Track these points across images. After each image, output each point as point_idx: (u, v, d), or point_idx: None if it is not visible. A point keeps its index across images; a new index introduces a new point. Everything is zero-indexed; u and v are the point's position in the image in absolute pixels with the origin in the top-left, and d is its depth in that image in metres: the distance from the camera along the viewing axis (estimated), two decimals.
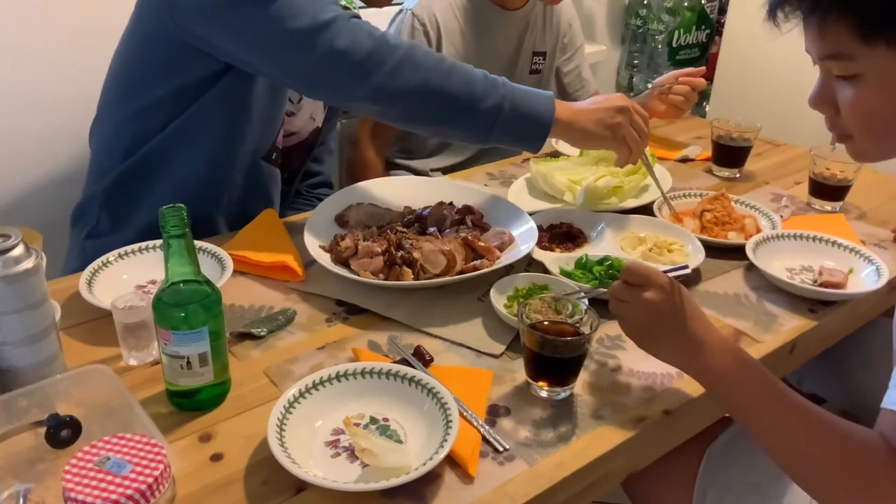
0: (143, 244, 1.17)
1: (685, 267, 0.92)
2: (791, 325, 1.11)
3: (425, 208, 1.30)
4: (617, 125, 1.21)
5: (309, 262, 1.19)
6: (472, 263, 1.14)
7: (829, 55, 0.81)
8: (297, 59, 1.12)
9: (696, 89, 1.67)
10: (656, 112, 1.71)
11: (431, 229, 1.23)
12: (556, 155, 1.63)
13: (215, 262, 1.15)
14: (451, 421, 0.83)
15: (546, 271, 1.17)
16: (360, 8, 1.55)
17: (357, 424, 0.87)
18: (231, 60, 1.20)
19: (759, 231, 1.33)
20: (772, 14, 0.83)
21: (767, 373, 0.87)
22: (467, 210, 1.29)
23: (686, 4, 2.84)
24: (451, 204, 1.31)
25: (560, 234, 1.30)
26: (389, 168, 1.85)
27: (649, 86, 2.92)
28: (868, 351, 1.39)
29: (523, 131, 1.19)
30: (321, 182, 1.67)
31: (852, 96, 0.81)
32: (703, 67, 1.73)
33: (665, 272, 0.91)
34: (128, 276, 1.13)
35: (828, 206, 1.47)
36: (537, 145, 1.20)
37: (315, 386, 0.89)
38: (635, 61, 2.97)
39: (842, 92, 0.82)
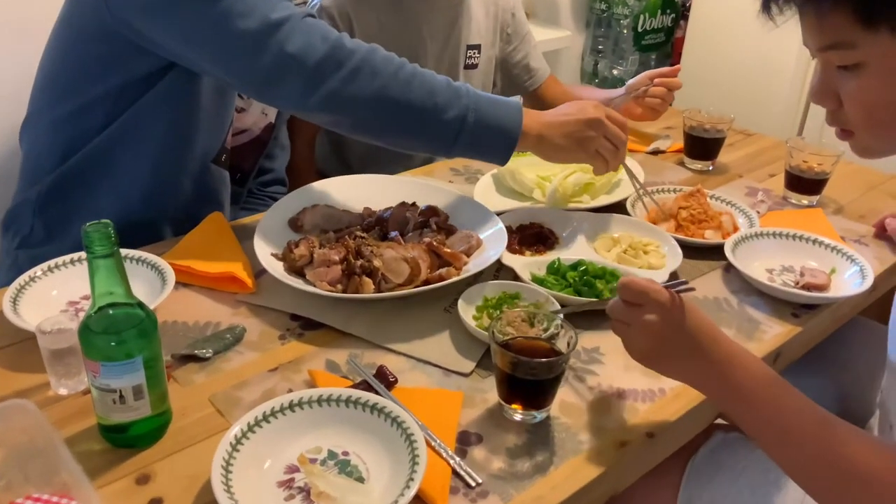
0: (75, 255, 1.06)
1: (685, 283, 0.84)
2: (775, 331, 1.05)
3: (386, 210, 1.21)
4: (588, 139, 1.13)
5: (259, 272, 1.09)
6: (437, 272, 1.06)
7: (829, 45, 0.76)
8: (245, 63, 1.03)
9: (673, 90, 1.60)
10: (632, 115, 1.63)
11: (393, 234, 1.15)
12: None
13: (155, 273, 1.05)
14: (417, 456, 0.75)
15: (516, 277, 1.10)
16: None
17: (313, 461, 0.78)
18: (174, 58, 1.10)
19: (736, 229, 1.27)
20: (765, 8, 0.78)
21: (790, 387, 0.80)
22: (432, 211, 1.21)
23: None
24: (413, 204, 1.23)
25: (530, 235, 1.22)
26: None
27: (615, 72, 2.86)
28: (848, 351, 1.35)
29: (488, 144, 1.10)
30: (274, 179, 1.57)
31: (855, 87, 0.76)
32: (678, 66, 1.65)
33: (665, 286, 0.83)
34: (58, 292, 1.03)
35: (805, 199, 1.42)
36: (503, 159, 1.12)
37: (266, 418, 0.80)
38: (600, 46, 2.89)
39: (844, 83, 0.77)
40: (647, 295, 0.81)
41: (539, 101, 1.86)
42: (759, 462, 1.12)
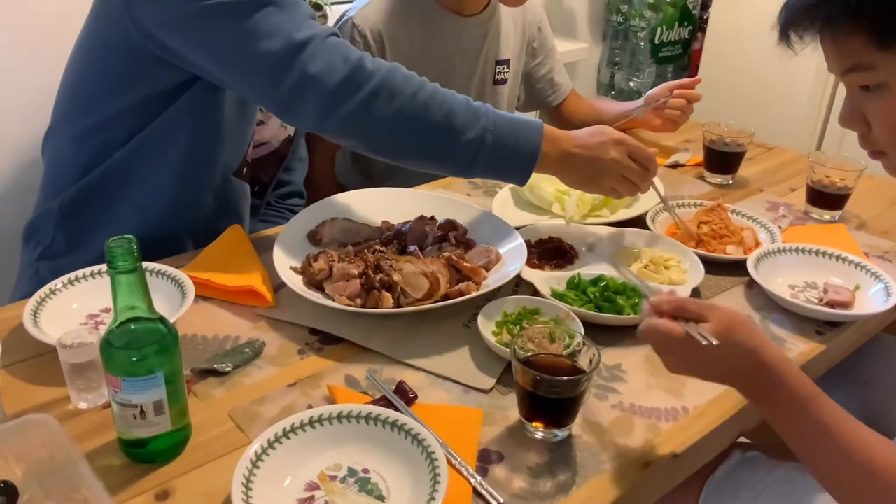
0: (95, 268, 1.06)
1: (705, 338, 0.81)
2: (799, 349, 1.04)
3: (405, 223, 1.21)
4: (603, 178, 1.14)
5: (279, 286, 1.09)
6: (457, 287, 1.05)
7: (850, 68, 0.78)
8: (268, 83, 1.03)
9: (692, 101, 1.59)
10: (651, 126, 1.62)
11: (412, 247, 1.14)
12: None
13: (175, 286, 1.05)
14: (438, 474, 0.74)
15: (536, 292, 1.09)
16: None
17: (334, 478, 0.78)
18: (197, 72, 1.10)
19: (758, 244, 1.26)
20: (783, 36, 0.79)
21: (828, 401, 0.79)
22: (450, 225, 1.20)
23: (668, 0, 2.77)
24: (432, 218, 1.22)
25: (549, 249, 1.21)
26: None
27: (632, 84, 2.85)
28: (870, 367, 1.33)
29: (506, 165, 1.10)
30: (292, 192, 1.57)
31: (880, 107, 0.78)
32: (699, 78, 1.64)
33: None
34: (78, 305, 1.03)
35: (827, 214, 1.41)
36: (521, 180, 1.12)
37: (286, 434, 0.79)
38: (617, 59, 2.89)
39: (869, 105, 0.78)
40: (702, 316, 0.78)
41: (561, 115, 1.85)
42: (780, 483, 1.11)
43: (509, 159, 1.09)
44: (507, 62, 1.70)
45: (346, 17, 1.58)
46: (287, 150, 1.48)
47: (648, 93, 1.61)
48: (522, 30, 1.72)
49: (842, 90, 0.85)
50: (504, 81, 1.71)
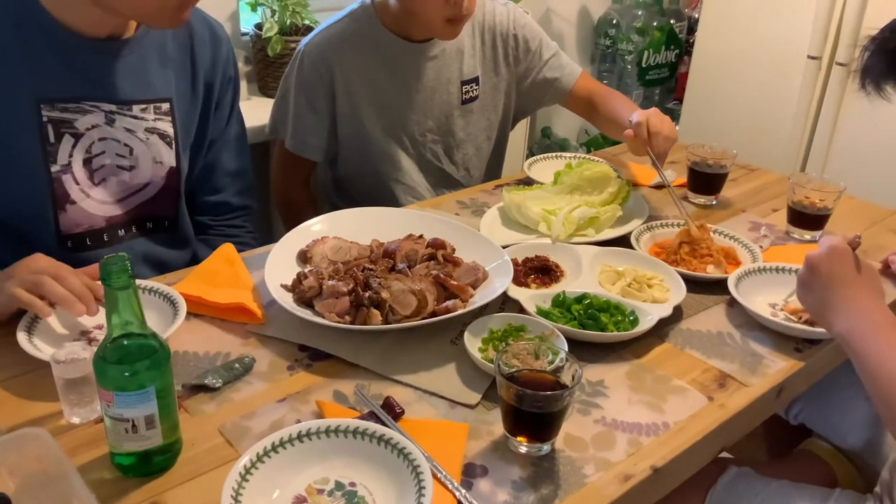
0: None
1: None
2: (778, 366, 1.06)
3: (394, 242, 1.23)
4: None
5: (269, 303, 1.11)
6: (444, 304, 1.08)
7: None
8: None
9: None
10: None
11: (401, 266, 1.17)
12: (529, 182, 1.58)
13: (167, 303, 1.07)
14: (423, 488, 0.76)
15: (522, 309, 1.11)
16: None
17: (321, 491, 0.79)
18: None
19: (739, 264, 1.29)
20: (876, 87, 0.79)
21: None
22: (438, 244, 1.23)
23: (655, 24, 2.83)
24: (421, 237, 1.25)
25: (536, 268, 1.24)
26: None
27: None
28: (853, 384, 1.35)
29: None
30: (230, 209, 1.46)
31: None
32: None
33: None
34: (71, 322, 1.04)
35: (807, 234, 1.44)
36: None
37: (274, 448, 0.81)
38: (605, 82, 2.94)
39: None
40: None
41: (572, 104, 1.82)
42: (776, 497, 1.13)
43: None
44: (475, 79, 1.72)
45: (300, 46, 1.61)
46: (176, 182, 1.32)
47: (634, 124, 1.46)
48: (492, 45, 1.72)
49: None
50: (474, 99, 1.73)
